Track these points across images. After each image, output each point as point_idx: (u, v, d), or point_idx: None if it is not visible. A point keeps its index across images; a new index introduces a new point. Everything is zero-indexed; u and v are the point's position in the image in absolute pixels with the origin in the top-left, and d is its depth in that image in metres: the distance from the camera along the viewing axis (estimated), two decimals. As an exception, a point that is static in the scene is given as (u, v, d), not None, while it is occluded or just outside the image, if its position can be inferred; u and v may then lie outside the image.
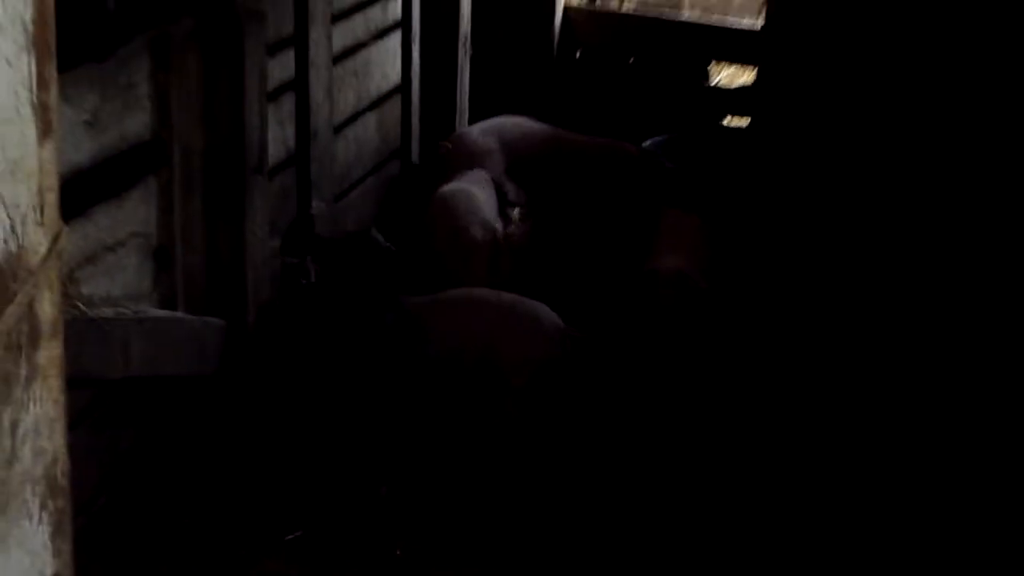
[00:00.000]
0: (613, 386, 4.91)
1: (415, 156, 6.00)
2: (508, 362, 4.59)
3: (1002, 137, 4.71)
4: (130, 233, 3.75)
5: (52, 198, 1.58)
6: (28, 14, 1.49)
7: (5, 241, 1.47)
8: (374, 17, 5.51)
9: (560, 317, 4.78)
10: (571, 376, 4.74)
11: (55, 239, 1.60)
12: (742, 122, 7.72)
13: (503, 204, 5.53)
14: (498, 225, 5.33)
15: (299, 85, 4.83)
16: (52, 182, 1.57)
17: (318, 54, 4.90)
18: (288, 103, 4.79)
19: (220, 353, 4.17)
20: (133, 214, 3.77)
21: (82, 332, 3.31)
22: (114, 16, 4.09)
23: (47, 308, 1.58)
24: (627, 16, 8.50)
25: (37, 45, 1.51)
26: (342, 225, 5.25)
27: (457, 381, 4.62)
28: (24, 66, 1.49)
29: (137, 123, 3.74)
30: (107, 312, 3.55)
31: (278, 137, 4.69)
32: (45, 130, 1.54)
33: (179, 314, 4.02)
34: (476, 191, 5.39)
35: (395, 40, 5.73)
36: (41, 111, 1.53)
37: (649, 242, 5.39)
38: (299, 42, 4.79)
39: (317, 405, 4.45)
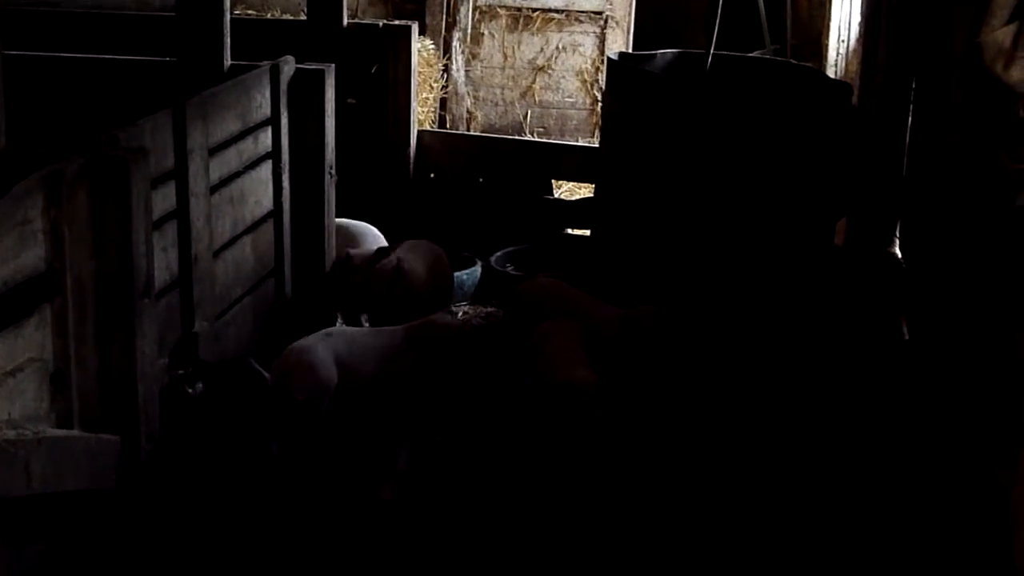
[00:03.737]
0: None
1: (288, 275, 5.98)
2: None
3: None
4: (28, 359, 3.68)
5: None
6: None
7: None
8: (246, 149, 5.50)
9: None
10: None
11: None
12: (583, 232, 7.83)
13: None
14: None
15: (180, 214, 4.81)
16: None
17: (197, 185, 4.89)
18: (171, 231, 4.76)
19: (116, 467, 4.10)
20: (30, 340, 3.70)
21: (-14, 455, 3.24)
22: (6, 155, 4.05)
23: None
24: (476, 138, 8.62)
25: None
26: (223, 341, 5.21)
27: None
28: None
29: (32, 256, 3.68)
30: (9, 434, 3.47)
31: (162, 263, 4.65)
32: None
33: (76, 432, 3.94)
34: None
35: (266, 170, 5.72)
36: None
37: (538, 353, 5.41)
38: (179, 175, 4.78)
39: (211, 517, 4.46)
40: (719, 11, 6.44)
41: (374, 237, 6.61)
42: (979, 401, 4.12)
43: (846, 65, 9.04)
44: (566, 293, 5.91)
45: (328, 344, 5.25)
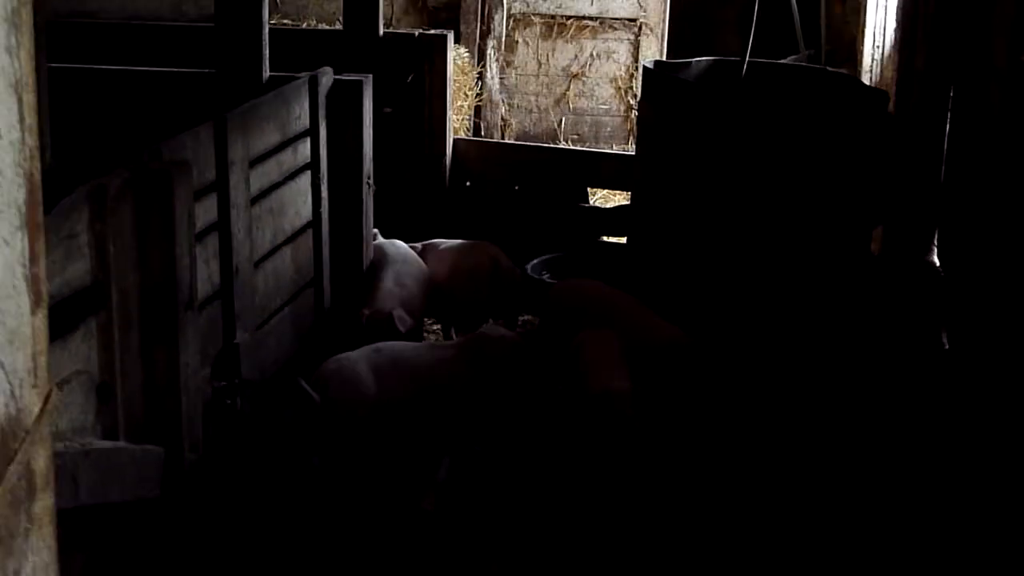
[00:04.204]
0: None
1: (326, 286, 6.01)
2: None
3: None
4: (75, 371, 3.71)
5: (43, 361, 1.58)
6: (21, 196, 1.50)
7: (6, 405, 1.47)
8: (286, 160, 5.54)
9: None
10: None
11: (46, 399, 1.60)
12: (618, 239, 7.84)
13: None
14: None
15: (222, 226, 4.85)
16: (43, 347, 1.58)
17: (238, 197, 4.93)
18: (212, 243, 4.80)
19: (160, 477, 4.13)
20: (77, 353, 3.73)
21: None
22: (53, 170, 4.09)
23: (41, 463, 1.58)
24: (511, 146, 8.65)
25: (29, 224, 1.52)
26: (264, 352, 5.24)
27: None
28: (19, 244, 1.50)
29: (78, 270, 3.72)
30: (57, 446, 3.50)
31: (204, 274, 4.68)
32: (37, 300, 1.55)
33: (121, 443, 3.97)
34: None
35: (305, 180, 5.76)
36: (33, 283, 1.54)
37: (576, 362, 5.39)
38: (221, 187, 4.81)
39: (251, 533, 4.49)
40: (755, 18, 6.44)
41: (401, 257, 6.51)
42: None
43: (881, 71, 9.01)
44: (601, 293, 5.93)
45: (370, 357, 5.27)
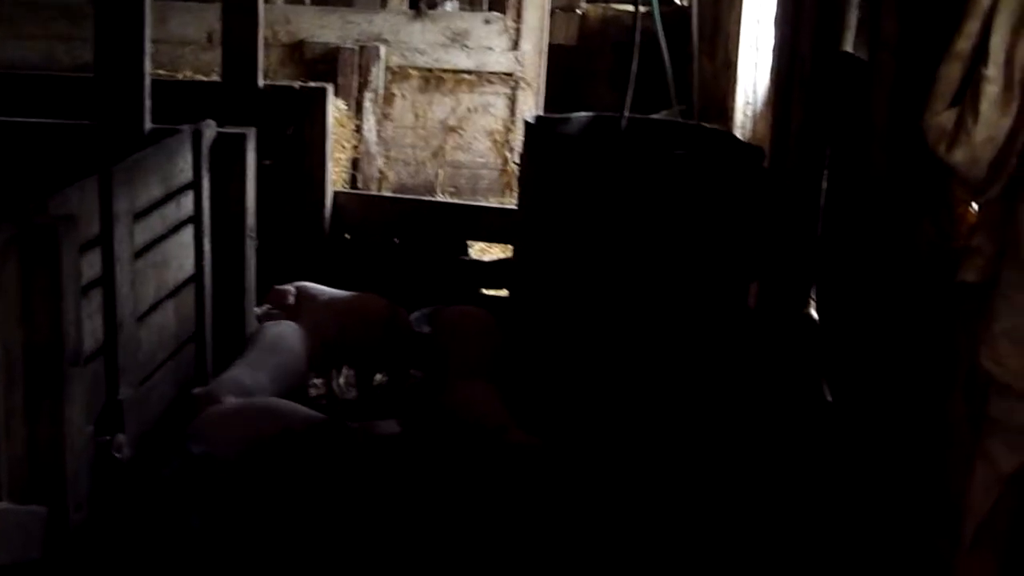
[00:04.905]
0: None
1: (208, 340, 5.94)
2: None
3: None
4: (-42, 431, 3.64)
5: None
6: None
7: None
8: (169, 214, 5.48)
9: None
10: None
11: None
12: (498, 292, 7.87)
13: None
14: None
15: (106, 281, 4.78)
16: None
17: (122, 251, 4.87)
18: (96, 297, 4.73)
19: (44, 538, 4.05)
20: (-40, 413, 3.66)
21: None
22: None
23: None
24: (391, 199, 8.66)
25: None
26: (148, 406, 5.17)
27: None
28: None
29: (-38, 327, 3.65)
30: (-60, 509, 3.43)
31: (88, 329, 4.60)
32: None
33: (5, 505, 3.90)
34: None
35: (188, 234, 5.70)
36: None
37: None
38: (105, 242, 4.75)
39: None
40: (633, 75, 6.55)
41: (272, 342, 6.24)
42: (909, 468, 4.19)
43: (753, 127, 9.20)
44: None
45: (242, 405, 5.23)
